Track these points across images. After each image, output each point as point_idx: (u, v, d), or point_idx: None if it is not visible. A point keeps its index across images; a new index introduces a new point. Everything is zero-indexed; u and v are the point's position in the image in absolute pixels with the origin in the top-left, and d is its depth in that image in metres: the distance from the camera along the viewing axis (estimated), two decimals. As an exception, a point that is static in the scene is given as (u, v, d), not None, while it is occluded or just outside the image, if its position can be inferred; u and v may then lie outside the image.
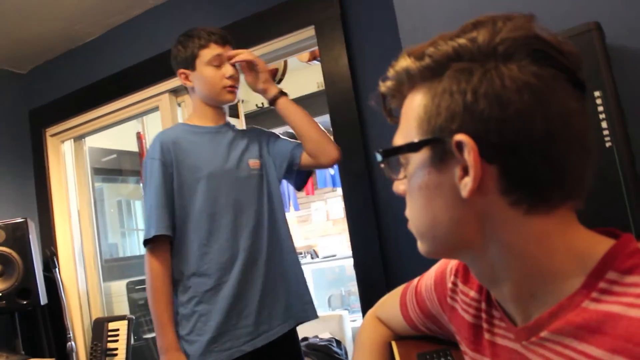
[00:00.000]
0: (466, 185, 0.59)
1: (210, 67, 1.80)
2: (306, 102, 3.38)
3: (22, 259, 2.64)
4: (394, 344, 1.00)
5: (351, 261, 2.37)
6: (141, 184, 3.75)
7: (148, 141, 3.80)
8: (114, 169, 4.10)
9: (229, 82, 1.81)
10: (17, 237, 2.66)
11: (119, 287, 3.58)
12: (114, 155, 3.89)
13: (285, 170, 1.91)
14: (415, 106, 0.64)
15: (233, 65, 1.84)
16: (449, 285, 0.85)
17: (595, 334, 0.55)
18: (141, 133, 3.62)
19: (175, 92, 2.88)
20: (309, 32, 2.45)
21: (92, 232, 3.28)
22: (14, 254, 2.63)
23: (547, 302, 0.61)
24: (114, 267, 3.74)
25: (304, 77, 4.16)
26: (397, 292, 1.07)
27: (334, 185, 5.14)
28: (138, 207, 4.64)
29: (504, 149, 0.57)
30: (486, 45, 0.59)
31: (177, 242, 1.75)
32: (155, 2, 2.86)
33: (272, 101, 1.87)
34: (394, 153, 0.66)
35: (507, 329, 0.68)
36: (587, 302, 0.57)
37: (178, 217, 1.74)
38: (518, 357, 0.65)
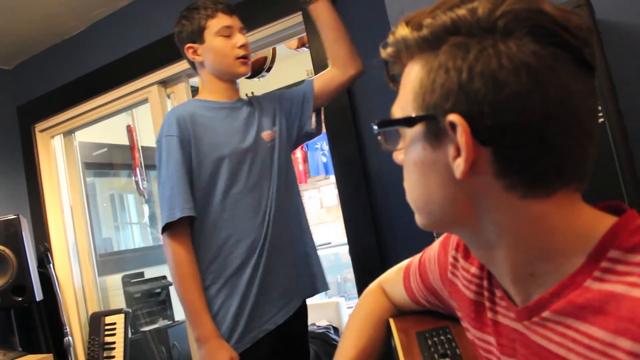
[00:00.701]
0: (459, 166, 0.57)
1: (220, 38, 1.71)
2: (296, 90, 3.35)
3: (16, 255, 2.62)
4: (392, 321, 0.99)
5: (346, 248, 2.37)
6: (133, 177, 3.73)
7: (138, 134, 3.77)
8: (105, 163, 4.08)
9: (241, 52, 1.72)
10: (10, 234, 2.64)
11: (115, 281, 3.58)
12: (105, 149, 3.87)
13: (302, 112, 1.83)
14: (412, 78, 0.62)
15: (243, 34, 1.76)
16: (450, 259, 0.83)
17: (598, 314, 0.54)
18: (131, 126, 3.60)
19: (164, 83, 2.85)
20: (297, 18, 2.43)
21: (85, 226, 3.26)
22: (7, 251, 2.61)
23: (547, 282, 0.60)
24: (108, 262, 3.74)
25: (293, 64, 4.13)
26: (403, 264, 1.06)
27: (327, 172, 5.13)
28: (131, 200, 4.63)
29: (498, 131, 0.55)
30: (486, 19, 0.55)
31: (197, 224, 1.66)
32: (140, -7, 2.83)
33: (308, 2, 1.76)
34: (389, 125, 0.65)
35: (508, 308, 0.68)
36: (589, 282, 0.56)
37: (197, 198, 1.65)
38: (520, 337, 0.65)
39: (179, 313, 3.67)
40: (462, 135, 0.55)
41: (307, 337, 1.90)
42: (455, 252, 0.82)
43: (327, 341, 3.78)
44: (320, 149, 5.29)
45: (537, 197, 0.57)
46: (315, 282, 1.80)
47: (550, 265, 0.59)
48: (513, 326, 0.66)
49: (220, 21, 1.71)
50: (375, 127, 0.64)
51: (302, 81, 3.91)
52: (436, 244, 0.91)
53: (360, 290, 2.31)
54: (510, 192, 0.57)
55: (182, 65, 2.72)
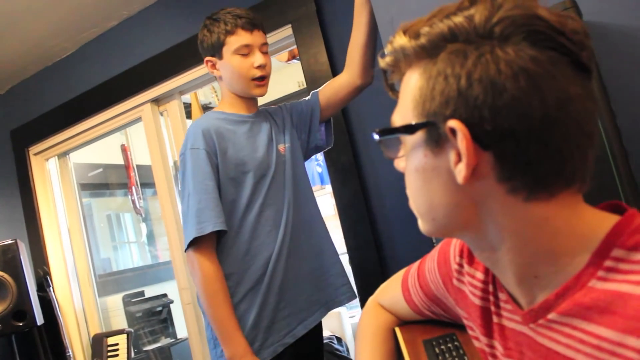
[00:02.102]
0: (460, 171, 0.58)
1: (237, 57, 1.66)
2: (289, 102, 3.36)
3: (15, 280, 2.61)
4: (397, 330, 0.99)
5: (345, 257, 2.36)
6: (129, 196, 3.73)
7: (133, 153, 3.77)
8: (100, 184, 4.07)
9: (258, 73, 1.67)
10: (8, 259, 2.63)
11: (115, 301, 3.56)
12: (100, 169, 3.86)
13: (310, 125, 1.81)
14: (411, 87, 0.62)
15: (264, 52, 1.71)
16: (454, 266, 0.83)
17: (604, 314, 0.54)
18: (125, 145, 3.60)
19: (156, 101, 2.86)
20: (286, 31, 2.44)
21: (84, 248, 3.25)
22: (6, 276, 2.60)
23: (551, 283, 0.60)
24: (108, 282, 3.72)
25: (285, 77, 4.15)
26: (398, 277, 1.05)
27: (322, 183, 5.11)
28: (128, 219, 4.62)
29: (498, 136, 0.56)
30: (482, 26, 0.56)
31: (222, 239, 1.63)
32: (129, 13, 2.84)
33: None
34: (390, 133, 0.65)
35: (513, 311, 0.68)
36: (593, 282, 0.56)
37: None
38: (526, 340, 0.65)
39: (180, 331, 3.65)
40: (462, 140, 0.56)
41: (323, 351, 1.89)
42: (460, 259, 0.81)
43: (331, 351, 3.77)
44: (315, 159, 5.29)
45: (539, 200, 0.58)
46: (338, 294, 1.76)
47: (554, 266, 0.60)
48: (519, 329, 0.66)
49: (239, 39, 1.66)
50: (377, 136, 0.65)
51: (294, 93, 3.95)
52: (434, 254, 0.91)
53: (362, 298, 2.31)
54: (512, 196, 0.58)
55: (174, 83, 2.73)
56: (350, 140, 2.30)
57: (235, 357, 1.54)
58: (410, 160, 0.64)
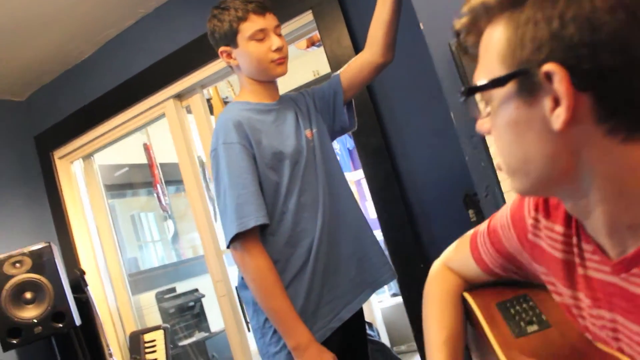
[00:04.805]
0: (559, 116, 0.56)
1: (253, 42, 1.62)
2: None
3: (52, 283, 2.64)
4: (467, 296, 0.98)
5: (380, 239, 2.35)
6: (155, 194, 3.74)
7: (155, 151, 3.79)
8: (123, 184, 4.10)
9: (276, 56, 1.64)
10: (44, 262, 2.65)
11: (148, 299, 3.59)
12: (126, 169, 3.88)
13: (334, 108, 1.79)
14: (495, 40, 0.61)
15: (279, 34, 1.67)
16: (530, 221, 0.81)
17: None
18: (147, 144, 3.61)
19: (179, 96, 2.86)
20: (307, 17, 2.43)
21: (114, 247, 3.27)
22: (43, 279, 2.63)
23: None
24: (139, 280, 3.75)
25: (300, 66, 4.12)
26: (465, 238, 1.04)
27: (355, 166, 5.02)
28: (151, 218, 4.64)
29: (598, 74, 0.53)
30: None
31: (265, 229, 1.60)
32: (145, 11, 2.84)
33: None
34: (478, 91, 0.63)
35: (602, 262, 0.66)
36: None
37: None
38: (617, 290, 0.64)
39: (214, 324, 3.68)
40: (561, 82, 0.54)
41: (366, 333, 1.88)
42: (536, 213, 0.79)
43: (364, 337, 3.77)
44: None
45: (637, 140, 0.56)
46: (382, 273, 1.75)
47: None
48: (609, 280, 0.65)
49: (252, 25, 1.62)
50: (463, 96, 0.64)
51: (310, 83, 3.94)
52: (506, 211, 0.89)
53: (400, 279, 2.29)
54: (610, 138, 0.56)
55: (195, 77, 2.73)
56: (379, 121, 2.29)
57: (300, 346, 1.52)
58: (500, 115, 0.63)
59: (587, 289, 0.70)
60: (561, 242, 0.74)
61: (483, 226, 0.97)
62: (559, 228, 0.74)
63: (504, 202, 1.45)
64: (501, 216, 0.90)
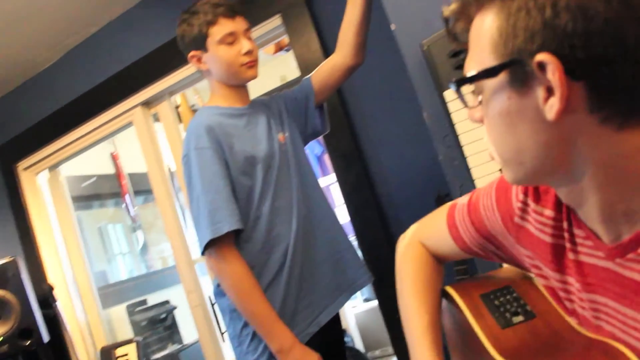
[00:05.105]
0: (552, 106, 0.55)
1: (223, 46, 1.61)
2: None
3: (18, 299, 2.57)
4: (450, 289, 0.97)
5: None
6: (123, 205, 3.68)
7: (123, 161, 3.72)
8: (90, 195, 4.02)
9: (246, 59, 1.63)
10: (9, 277, 2.58)
11: (118, 312, 3.52)
12: (93, 180, 3.81)
13: (306, 112, 1.79)
14: (486, 29, 0.60)
15: (248, 38, 1.66)
16: (517, 204, 0.80)
17: None
18: (115, 153, 3.55)
19: (147, 104, 2.82)
20: (276, 21, 2.42)
21: (82, 261, 3.19)
22: (8, 295, 2.56)
23: None
24: (108, 294, 3.68)
25: (267, 72, 4.10)
26: (440, 214, 1.01)
27: (324, 172, 5.02)
28: (119, 230, 4.56)
29: (592, 63, 0.53)
30: None
31: (239, 234, 1.58)
32: (111, 17, 2.80)
33: None
34: (469, 81, 0.62)
35: (595, 247, 0.66)
36: None
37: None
38: (611, 275, 0.64)
39: (187, 336, 3.62)
40: (554, 72, 0.54)
41: (344, 338, 1.87)
42: (524, 197, 0.79)
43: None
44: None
45: (631, 127, 0.56)
46: (358, 276, 1.74)
47: None
48: (602, 265, 0.65)
49: (222, 28, 1.61)
50: (454, 86, 0.63)
51: (277, 88, 3.93)
52: (490, 191, 0.88)
53: (375, 286, 2.28)
54: (604, 126, 0.56)
55: (163, 84, 2.70)
56: (349, 124, 2.29)
57: (283, 348, 1.51)
58: (492, 105, 0.62)
59: (577, 273, 0.70)
60: (551, 227, 0.74)
61: (462, 201, 0.96)
62: (549, 212, 0.74)
63: (479, 199, 1.45)
64: (484, 195, 0.89)
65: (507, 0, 0.57)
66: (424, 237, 1.05)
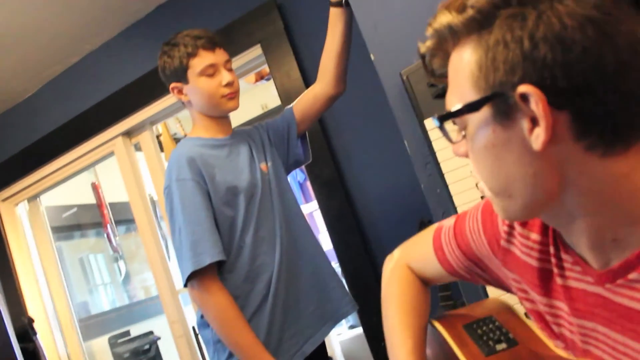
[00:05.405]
0: (538, 137, 0.56)
1: (203, 78, 1.62)
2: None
3: (-4, 333, 2.51)
4: (435, 322, 0.98)
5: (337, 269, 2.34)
6: (105, 235, 3.64)
7: (104, 190, 3.70)
8: (71, 225, 3.97)
9: (227, 91, 1.64)
10: (-14, 311, 2.52)
11: (101, 344, 3.46)
12: (74, 210, 3.76)
13: (288, 141, 1.80)
14: (465, 63, 0.60)
15: (229, 69, 1.68)
16: (503, 228, 0.80)
17: None
18: (96, 183, 3.52)
19: (128, 133, 2.81)
20: (256, 51, 2.45)
21: (63, 292, 3.14)
22: (-15, 329, 2.50)
23: (630, 245, 0.59)
24: (90, 325, 3.61)
25: (249, 100, 4.12)
26: (426, 236, 1.00)
27: (306, 199, 5.03)
28: (101, 260, 4.51)
29: (573, 92, 0.54)
30: None
31: (222, 265, 1.58)
32: (92, 47, 2.80)
33: (336, 4, 1.67)
34: (452, 117, 0.63)
35: (584, 272, 0.66)
36: None
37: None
38: (600, 301, 0.64)
39: (170, 367, 3.57)
40: (538, 103, 0.54)
41: None
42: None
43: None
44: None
45: (616, 154, 0.57)
46: (342, 305, 1.74)
47: (633, 227, 0.59)
48: (591, 290, 0.65)
49: (202, 60, 1.62)
50: (436, 123, 0.63)
51: (259, 116, 3.95)
52: (476, 214, 0.88)
53: (359, 310, 2.27)
54: (590, 153, 0.57)
55: (144, 113, 2.70)
56: (331, 152, 2.31)
57: None
58: (477, 139, 0.62)
59: (566, 298, 0.70)
60: (537, 251, 0.74)
61: (448, 224, 0.96)
62: (535, 236, 0.74)
63: (461, 226, 1.47)
64: (471, 218, 0.89)
65: (484, 34, 0.58)
66: (410, 260, 1.05)
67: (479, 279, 0.93)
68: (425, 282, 1.04)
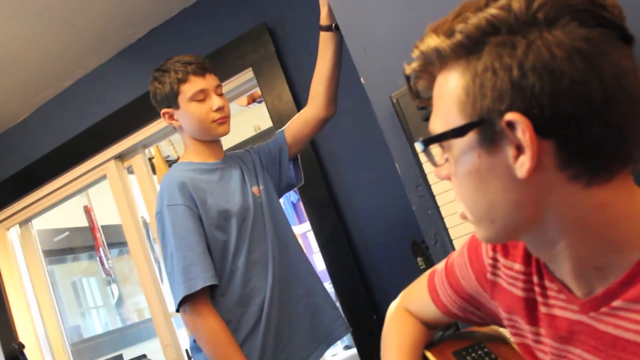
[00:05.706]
0: (523, 164, 0.56)
1: (194, 103, 1.63)
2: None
3: (-14, 360, 2.48)
4: (427, 353, 0.98)
5: (331, 291, 2.34)
6: (97, 258, 3.62)
7: (97, 213, 3.68)
8: (64, 249, 3.94)
9: (217, 116, 1.65)
10: (-23, 337, 2.50)
11: (92, 368, 3.42)
12: (66, 233, 3.74)
13: (280, 165, 1.81)
14: (452, 88, 0.60)
15: (219, 94, 1.69)
16: (488, 261, 0.81)
17: None
18: (88, 206, 3.51)
19: (120, 157, 2.81)
20: (247, 74, 2.46)
21: (54, 316, 3.11)
22: (-24, 356, 2.47)
23: (613, 273, 0.59)
24: (82, 350, 3.58)
25: (241, 122, 4.14)
26: (422, 279, 1.01)
27: (300, 220, 5.02)
28: (93, 284, 4.47)
29: (560, 122, 0.54)
30: (524, 13, 0.55)
31: (215, 289, 1.58)
32: (84, 71, 2.81)
33: (326, 28, 1.69)
34: (437, 141, 0.63)
35: (569, 301, 0.66)
36: None
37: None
38: (585, 328, 0.64)
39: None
40: (524, 132, 0.54)
41: None
42: (494, 253, 0.79)
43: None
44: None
45: (599, 184, 0.57)
46: (335, 328, 1.74)
47: (615, 255, 0.59)
48: (576, 318, 0.65)
49: (193, 86, 1.63)
50: (421, 146, 0.63)
51: (252, 138, 3.96)
52: (463, 250, 0.88)
53: (353, 332, 2.27)
54: (574, 183, 0.57)
55: (137, 137, 2.70)
56: (323, 174, 2.31)
57: None
58: (461, 164, 0.62)
59: (550, 327, 0.70)
60: (522, 281, 0.74)
61: (441, 265, 0.96)
62: (519, 267, 0.75)
63: (453, 249, 1.47)
64: (458, 256, 0.90)
65: (472, 60, 0.58)
66: (409, 303, 1.06)
67: (474, 317, 0.93)
68: (427, 326, 1.04)
